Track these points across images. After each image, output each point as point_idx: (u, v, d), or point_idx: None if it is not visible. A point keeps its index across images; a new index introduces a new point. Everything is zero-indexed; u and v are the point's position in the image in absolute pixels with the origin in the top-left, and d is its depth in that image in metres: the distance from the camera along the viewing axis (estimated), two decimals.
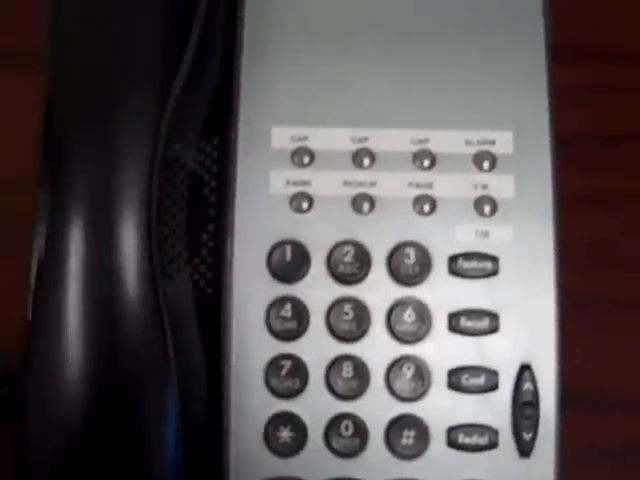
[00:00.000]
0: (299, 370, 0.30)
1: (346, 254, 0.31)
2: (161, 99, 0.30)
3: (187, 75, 0.31)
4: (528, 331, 0.30)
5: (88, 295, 0.28)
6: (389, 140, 0.31)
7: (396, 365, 0.30)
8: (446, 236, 0.31)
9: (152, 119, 0.30)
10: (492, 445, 0.30)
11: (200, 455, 0.31)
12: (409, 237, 0.31)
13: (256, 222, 0.31)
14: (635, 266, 0.38)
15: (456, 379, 0.30)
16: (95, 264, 0.28)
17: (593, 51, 0.40)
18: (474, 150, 0.31)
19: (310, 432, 0.30)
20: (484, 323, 0.30)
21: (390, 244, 0.31)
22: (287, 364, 0.30)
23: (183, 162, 0.32)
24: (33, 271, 0.30)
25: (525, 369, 0.30)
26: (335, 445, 0.30)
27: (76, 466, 0.28)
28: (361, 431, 0.30)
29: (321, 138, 0.32)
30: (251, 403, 0.30)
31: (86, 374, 0.28)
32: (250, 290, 0.31)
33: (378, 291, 0.30)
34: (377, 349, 0.30)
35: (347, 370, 0.30)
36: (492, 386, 0.30)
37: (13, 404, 0.34)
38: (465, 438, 0.30)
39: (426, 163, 0.31)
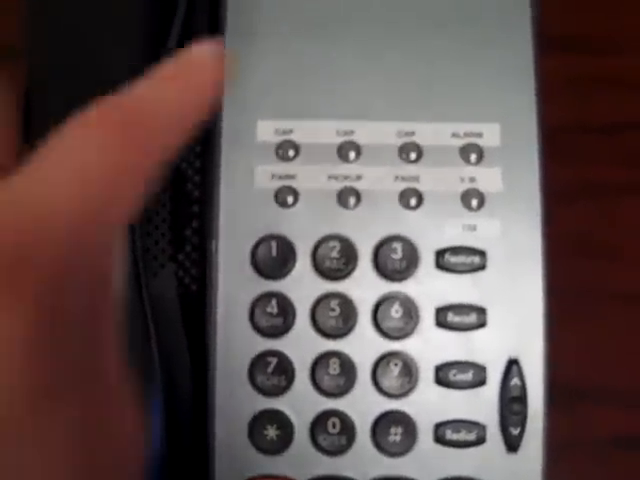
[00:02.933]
0: (285, 367, 0.30)
1: (332, 249, 0.30)
2: None
3: None
4: (516, 326, 0.30)
5: None
6: (375, 133, 0.31)
7: (383, 361, 0.30)
8: (433, 230, 0.30)
9: None
10: (480, 441, 0.30)
11: (185, 451, 0.30)
12: (395, 231, 0.30)
13: (241, 217, 0.30)
14: (621, 257, 0.38)
15: (444, 375, 0.30)
16: None
17: (577, 41, 0.40)
18: (461, 143, 0.31)
19: (296, 429, 0.30)
20: (472, 318, 0.30)
21: (376, 239, 0.30)
22: (273, 361, 0.30)
23: None
24: None
25: (513, 364, 0.30)
26: (322, 442, 0.30)
27: None
28: (348, 428, 0.30)
29: (306, 131, 0.31)
30: (236, 400, 0.30)
31: None
32: (235, 286, 0.30)
33: (364, 286, 0.30)
34: (364, 345, 0.30)
35: (333, 367, 0.30)
36: (480, 381, 0.30)
37: None
38: (453, 434, 0.30)
39: (412, 156, 0.31)
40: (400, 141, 0.31)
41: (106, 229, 0.20)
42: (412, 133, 0.31)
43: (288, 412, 0.30)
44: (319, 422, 0.30)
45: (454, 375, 0.30)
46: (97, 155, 0.20)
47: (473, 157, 0.31)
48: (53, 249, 0.19)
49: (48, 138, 0.20)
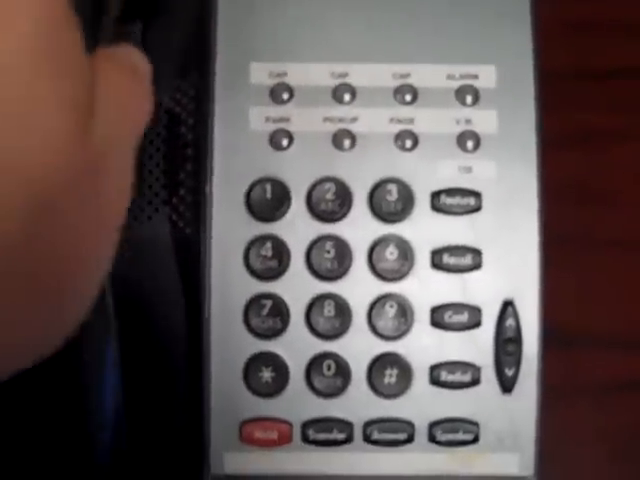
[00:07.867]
0: (280, 309, 0.30)
1: (327, 191, 0.30)
2: None
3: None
4: (511, 267, 0.30)
5: None
6: (370, 75, 0.31)
7: (378, 303, 0.30)
8: (428, 172, 0.30)
9: None
10: (475, 382, 0.30)
11: (179, 396, 0.30)
12: (391, 173, 0.30)
13: (235, 160, 0.30)
14: (616, 204, 0.37)
15: (439, 316, 0.30)
16: None
17: None
18: (456, 84, 0.31)
19: (292, 372, 0.30)
20: (467, 259, 0.30)
21: (372, 181, 0.30)
22: (267, 303, 0.30)
23: (159, 100, 0.31)
24: None
25: (508, 305, 0.30)
26: (317, 385, 0.30)
27: None
28: (343, 370, 0.30)
29: (300, 74, 0.31)
30: (231, 344, 0.30)
31: None
32: (229, 229, 0.30)
33: (359, 228, 0.30)
34: (359, 287, 0.30)
35: (328, 309, 0.30)
36: (475, 323, 0.30)
37: None
38: (448, 375, 0.30)
39: (408, 98, 0.31)
40: (395, 83, 0.31)
41: None
42: (407, 75, 0.31)
43: (283, 355, 0.30)
44: (314, 364, 0.30)
45: (449, 317, 0.30)
46: None
47: (469, 99, 0.31)
48: None
49: None
